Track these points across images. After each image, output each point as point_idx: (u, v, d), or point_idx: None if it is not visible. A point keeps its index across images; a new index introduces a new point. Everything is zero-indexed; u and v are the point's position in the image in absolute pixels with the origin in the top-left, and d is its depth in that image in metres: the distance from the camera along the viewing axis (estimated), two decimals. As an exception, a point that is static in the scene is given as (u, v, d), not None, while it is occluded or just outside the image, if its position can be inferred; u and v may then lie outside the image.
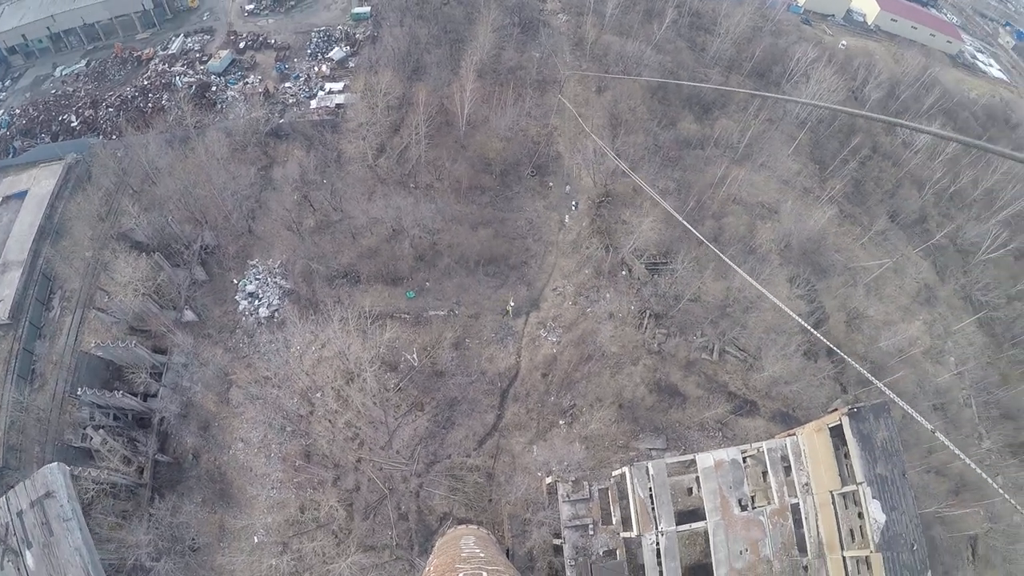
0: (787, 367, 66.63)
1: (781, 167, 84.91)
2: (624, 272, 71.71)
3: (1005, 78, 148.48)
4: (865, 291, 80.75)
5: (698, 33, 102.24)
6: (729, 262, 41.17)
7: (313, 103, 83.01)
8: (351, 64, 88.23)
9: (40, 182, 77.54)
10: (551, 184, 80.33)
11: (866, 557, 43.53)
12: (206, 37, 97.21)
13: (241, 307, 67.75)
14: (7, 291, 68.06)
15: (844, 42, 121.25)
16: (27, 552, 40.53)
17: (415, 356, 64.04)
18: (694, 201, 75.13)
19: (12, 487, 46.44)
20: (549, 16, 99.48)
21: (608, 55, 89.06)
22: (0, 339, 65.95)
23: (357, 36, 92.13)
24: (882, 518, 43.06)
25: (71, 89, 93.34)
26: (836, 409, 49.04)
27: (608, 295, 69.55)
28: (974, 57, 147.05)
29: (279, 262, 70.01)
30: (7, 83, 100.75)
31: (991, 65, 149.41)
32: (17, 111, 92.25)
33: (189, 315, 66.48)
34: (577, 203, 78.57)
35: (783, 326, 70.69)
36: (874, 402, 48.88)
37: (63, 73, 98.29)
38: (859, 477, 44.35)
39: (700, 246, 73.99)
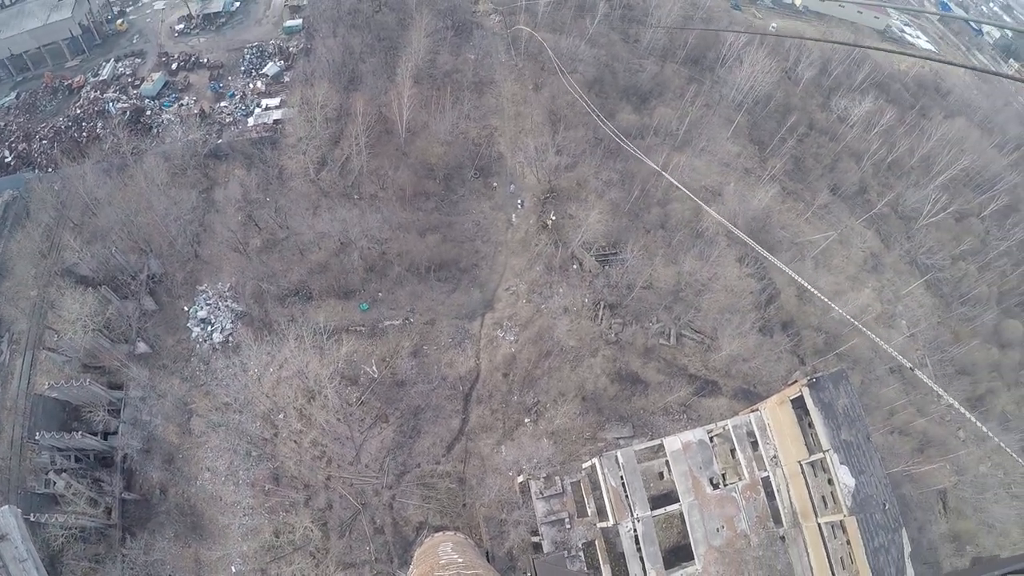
0: (744, 345, 68.30)
1: (721, 150, 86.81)
2: (575, 266, 72.54)
3: (933, 48, 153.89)
4: (813, 264, 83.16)
5: (630, 25, 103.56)
6: (737, 231, 41.81)
7: (250, 120, 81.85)
8: (286, 78, 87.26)
9: (-23, 223, 75.24)
10: (495, 184, 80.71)
11: (840, 521, 45.02)
12: (137, 60, 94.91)
13: (194, 334, 66.56)
14: (-48, 340, 66.21)
15: (774, 24, 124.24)
16: None
17: (374, 368, 63.76)
18: (638, 190, 76.27)
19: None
20: (482, 17, 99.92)
21: (543, 52, 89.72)
22: (-50, 389, 64.12)
23: (291, 50, 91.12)
24: (851, 482, 44.47)
25: (2, 123, 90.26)
26: (796, 381, 50.24)
27: (561, 290, 70.30)
28: (902, 31, 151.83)
29: (228, 285, 68.93)
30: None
31: (919, 37, 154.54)
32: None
33: (142, 347, 65.11)
34: (523, 201, 79.12)
35: (736, 305, 72.50)
36: (832, 370, 50.61)
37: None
38: (825, 445, 45.74)
39: (648, 234, 75.50)
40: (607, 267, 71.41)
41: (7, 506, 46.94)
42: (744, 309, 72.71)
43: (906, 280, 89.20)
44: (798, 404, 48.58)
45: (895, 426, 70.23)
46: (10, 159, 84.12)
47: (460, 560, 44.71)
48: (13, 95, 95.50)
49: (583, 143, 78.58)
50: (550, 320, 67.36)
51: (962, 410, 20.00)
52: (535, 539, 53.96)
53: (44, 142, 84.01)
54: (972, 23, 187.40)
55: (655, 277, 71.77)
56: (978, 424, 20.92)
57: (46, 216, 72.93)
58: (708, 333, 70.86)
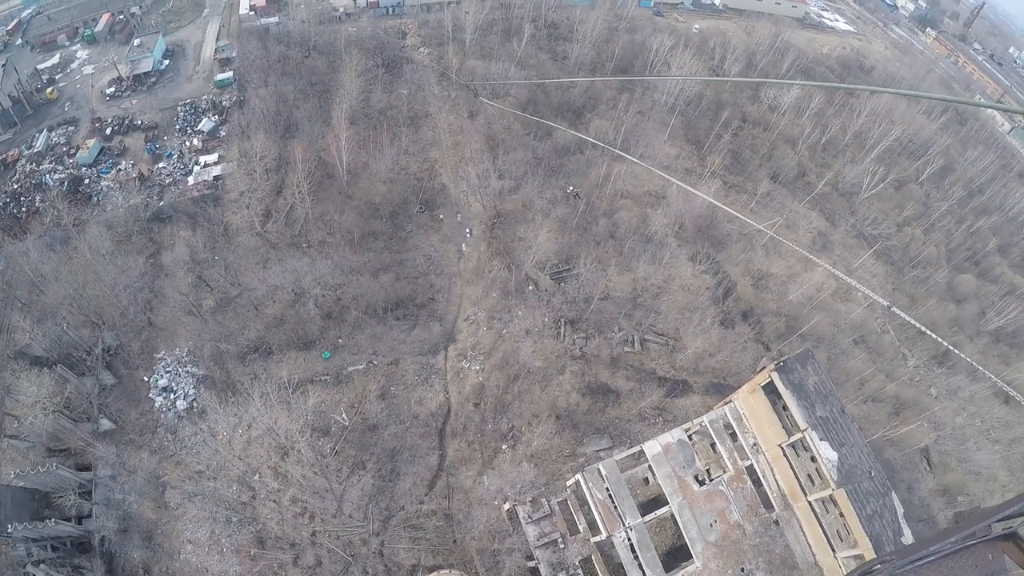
0: (708, 340, 69.71)
1: (660, 154, 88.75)
2: (531, 287, 73.26)
3: (852, 29, 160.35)
4: (764, 252, 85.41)
5: (557, 43, 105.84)
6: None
7: (190, 179, 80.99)
8: (222, 133, 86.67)
9: (-81, 313, 72.71)
10: (442, 216, 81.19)
11: (830, 496, 46.19)
12: (71, 128, 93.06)
13: (157, 404, 65.11)
14: (-94, 438, 63.62)
15: (697, 26, 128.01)
16: None
17: (344, 416, 63.29)
18: (584, 204, 77.51)
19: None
20: (411, 52, 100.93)
21: (474, 78, 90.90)
22: (-92, 489, 61.58)
23: (224, 103, 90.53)
24: (834, 456, 45.60)
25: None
26: (764, 367, 51.44)
27: (520, 312, 70.92)
28: (820, 16, 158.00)
29: (186, 350, 67.75)
30: None
31: (837, 20, 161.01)
32: None
33: (105, 424, 63.41)
34: (471, 230, 79.75)
35: (695, 303, 73.98)
36: (798, 351, 51.91)
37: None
38: (802, 424, 46.92)
39: (599, 246, 76.64)
40: (563, 284, 72.31)
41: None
42: (703, 305, 74.26)
43: (856, 254, 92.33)
44: (769, 389, 49.84)
45: (868, 395, 72.21)
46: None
47: None
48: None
49: (524, 164, 79.68)
50: (513, 344, 67.82)
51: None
52: (531, 564, 54.04)
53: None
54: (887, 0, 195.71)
55: (611, 287, 72.84)
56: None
57: (-8, 298, 71.04)
58: (671, 334, 72.12)
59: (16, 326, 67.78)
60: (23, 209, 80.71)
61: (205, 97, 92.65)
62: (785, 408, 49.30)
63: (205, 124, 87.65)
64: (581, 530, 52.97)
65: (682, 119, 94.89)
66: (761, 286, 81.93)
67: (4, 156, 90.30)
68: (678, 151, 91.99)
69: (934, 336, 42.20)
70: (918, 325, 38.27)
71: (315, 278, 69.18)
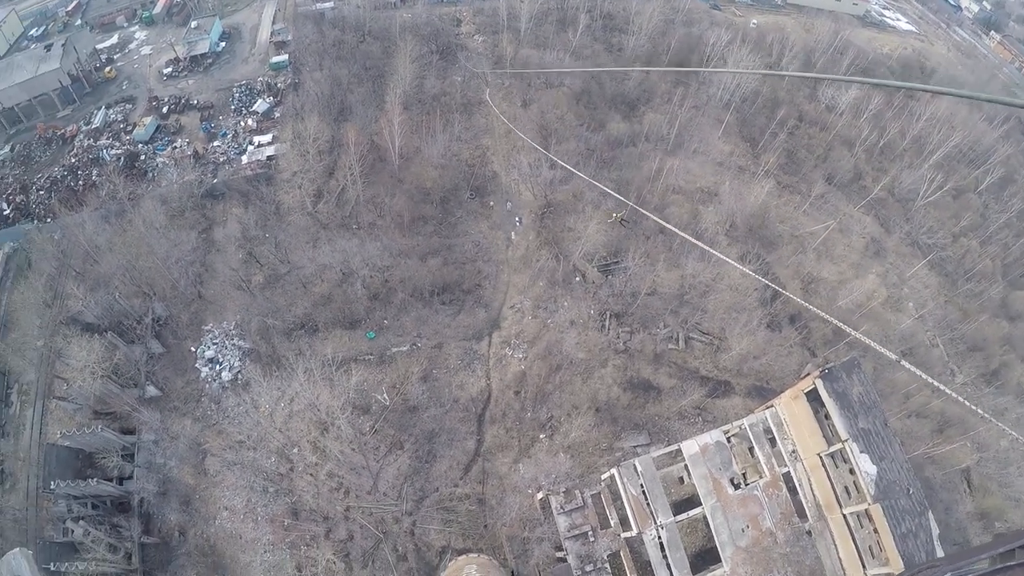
0: (753, 342, 68.15)
1: (714, 150, 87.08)
2: (578, 278, 72.60)
3: (914, 29, 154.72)
4: (815, 255, 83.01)
5: (613, 34, 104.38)
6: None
7: (244, 158, 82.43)
8: (277, 114, 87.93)
9: (-20, 276, 75.61)
10: (492, 203, 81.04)
11: (866, 510, 44.52)
12: (128, 106, 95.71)
13: (203, 374, 66.60)
14: (-38, 393, 66.23)
15: (755, 21, 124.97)
16: None
17: (385, 395, 63.70)
18: (634, 197, 76.39)
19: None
20: (465, 39, 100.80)
21: (529, 67, 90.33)
22: (-38, 444, 63.99)
23: (279, 85, 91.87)
24: (873, 470, 44.02)
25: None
26: (808, 373, 50.00)
27: (566, 303, 70.32)
28: (881, 15, 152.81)
29: (234, 323, 69.07)
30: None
31: (899, 19, 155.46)
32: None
33: (152, 390, 65.13)
34: (521, 218, 79.42)
35: (742, 304, 72.38)
36: (844, 360, 50.29)
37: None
38: (843, 435, 45.35)
39: (648, 240, 75.51)
40: (610, 276, 71.48)
41: (18, 549, 46.81)
42: (750, 306, 72.63)
43: (909, 262, 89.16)
44: (813, 397, 48.29)
45: (912, 409, 69.76)
46: (8, 211, 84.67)
47: None
48: (7, 148, 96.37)
49: (576, 155, 78.92)
50: (557, 334, 67.28)
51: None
52: (559, 555, 53.63)
53: (41, 192, 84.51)
54: (950, 0, 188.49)
55: (659, 282, 71.74)
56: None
57: (48, 266, 73.38)
58: (716, 334, 70.72)
59: (70, 294, 69.70)
60: (80, 182, 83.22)
61: (260, 79, 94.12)
62: (827, 417, 47.65)
63: (260, 105, 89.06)
64: (612, 525, 52.32)
65: (737, 115, 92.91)
66: (811, 290, 79.73)
67: (63, 131, 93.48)
68: (732, 148, 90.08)
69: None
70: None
71: (364, 259, 69.68)
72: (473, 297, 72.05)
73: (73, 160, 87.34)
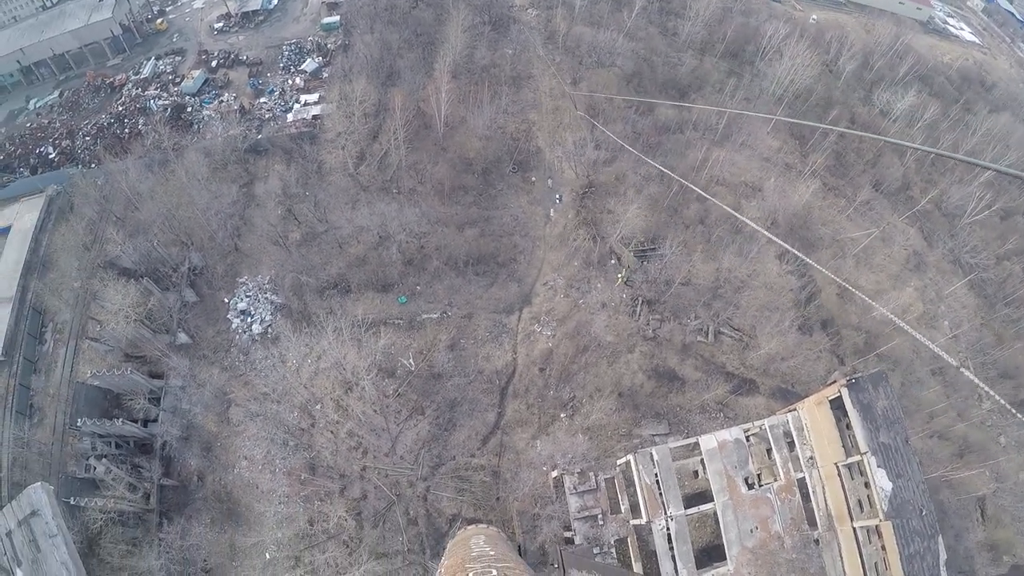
0: (783, 343, 67.00)
1: (761, 145, 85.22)
2: (613, 261, 71.94)
3: (977, 40, 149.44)
4: (855, 262, 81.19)
5: (668, 18, 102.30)
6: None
7: (290, 116, 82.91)
8: (325, 75, 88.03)
9: (22, 216, 77.24)
10: (534, 179, 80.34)
11: (876, 526, 43.87)
12: (177, 58, 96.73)
13: (234, 325, 67.55)
14: (-1, 328, 67.47)
15: (815, 16, 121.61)
16: (17, 570, 40.98)
17: (411, 361, 64.00)
18: (677, 185, 75.29)
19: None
20: (519, 12, 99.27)
21: (580, 46, 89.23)
22: (-4, 376, 65.42)
23: (328, 46, 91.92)
24: (888, 486, 43.29)
25: (46, 121, 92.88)
26: (835, 381, 49.18)
27: (599, 285, 69.79)
28: (944, 22, 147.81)
29: (268, 277, 69.84)
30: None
31: (962, 29, 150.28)
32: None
33: (183, 337, 66.24)
34: (561, 196, 78.65)
35: (775, 303, 71.12)
36: (872, 371, 49.23)
37: (36, 105, 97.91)
38: (863, 447, 44.54)
39: (688, 229, 74.45)
40: (645, 263, 70.63)
41: (39, 483, 47.89)
42: (783, 307, 71.38)
43: (949, 280, 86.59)
44: (837, 405, 47.41)
45: (935, 430, 68.20)
46: (54, 155, 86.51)
47: (492, 553, 44.63)
48: (56, 93, 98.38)
49: (622, 137, 77.56)
50: (588, 315, 66.89)
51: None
52: (567, 534, 53.71)
53: (87, 138, 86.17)
54: (1017, 15, 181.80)
55: (694, 273, 70.75)
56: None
57: (89, 210, 74.70)
58: (747, 331, 69.64)
59: (109, 238, 71.23)
60: (126, 131, 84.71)
61: (310, 39, 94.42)
62: (849, 427, 46.69)
63: (308, 65, 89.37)
64: (623, 511, 52.18)
65: (789, 111, 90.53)
66: (846, 296, 77.87)
67: (112, 80, 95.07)
68: (781, 144, 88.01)
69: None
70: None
71: (401, 224, 69.86)
72: (507, 271, 71.78)
73: (120, 108, 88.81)
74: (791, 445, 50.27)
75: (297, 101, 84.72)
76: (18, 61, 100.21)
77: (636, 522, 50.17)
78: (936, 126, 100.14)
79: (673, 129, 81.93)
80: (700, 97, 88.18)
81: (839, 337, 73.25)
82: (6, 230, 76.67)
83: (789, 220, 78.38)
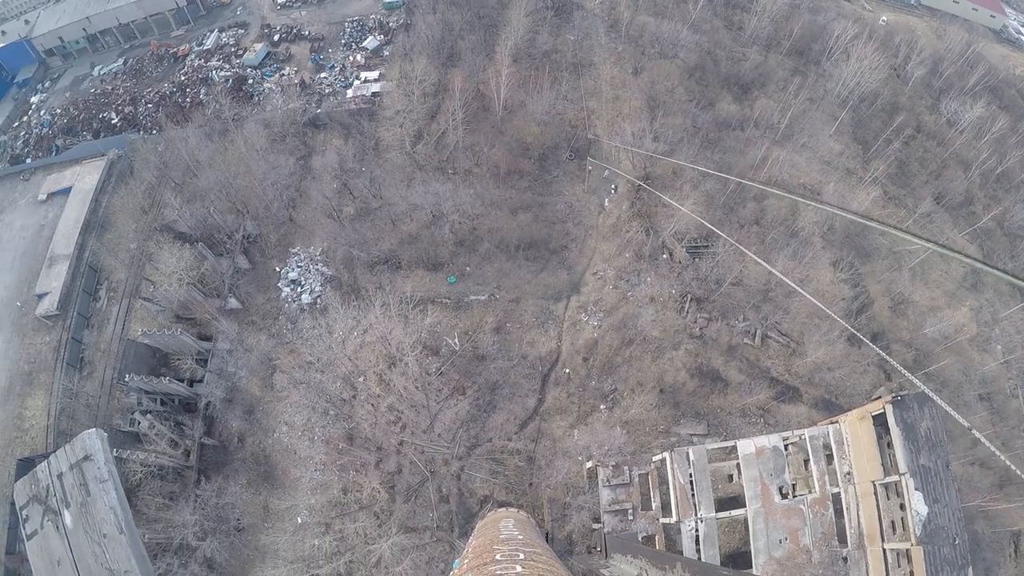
0: (830, 353, 65.38)
1: (823, 148, 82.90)
2: (665, 256, 70.95)
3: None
4: (910, 275, 78.71)
5: (734, 11, 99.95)
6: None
7: (349, 92, 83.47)
8: (386, 53, 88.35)
9: (83, 178, 79.46)
10: (590, 168, 79.41)
11: (907, 550, 42.58)
12: (240, 31, 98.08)
13: (284, 294, 68.70)
14: (55, 283, 70.02)
15: (884, 18, 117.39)
16: (65, 511, 42.21)
17: (456, 340, 64.41)
18: (735, 183, 73.95)
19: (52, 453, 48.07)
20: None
21: (644, 36, 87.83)
22: (50, 329, 68.10)
23: (390, 25, 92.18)
24: (924, 510, 41.93)
25: (110, 87, 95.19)
26: (880, 397, 47.89)
27: (649, 279, 68.93)
28: (1019, 32, 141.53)
29: (320, 249, 70.79)
30: (47, 84, 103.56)
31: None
32: (58, 110, 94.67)
33: (233, 303, 67.61)
34: (616, 186, 77.69)
35: (826, 311, 69.30)
36: (919, 390, 47.52)
37: (101, 72, 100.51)
38: (902, 467, 43.11)
39: (742, 229, 73.05)
40: (697, 259, 69.54)
41: (94, 429, 49.37)
42: (834, 316, 69.55)
43: (1006, 302, 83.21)
44: (879, 421, 45.83)
45: (977, 457, 65.45)
46: (117, 120, 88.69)
47: (520, 537, 44.57)
48: (121, 61, 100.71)
49: (681, 131, 76.51)
50: (635, 308, 66.19)
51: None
52: (596, 526, 53.46)
53: (149, 106, 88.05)
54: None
55: (745, 274, 69.40)
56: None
57: (149, 175, 76.41)
58: (794, 337, 68.13)
59: (167, 203, 72.98)
60: (187, 99, 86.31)
61: (373, 16, 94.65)
62: (890, 446, 45.09)
63: (370, 42, 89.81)
64: (653, 508, 51.48)
65: (853, 115, 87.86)
66: (899, 311, 75.68)
67: (175, 50, 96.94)
68: (843, 148, 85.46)
69: None
70: None
71: (455, 204, 69.98)
72: (558, 258, 71.42)
73: (183, 78, 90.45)
74: (829, 458, 48.93)
75: (357, 78, 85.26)
76: (84, 29, 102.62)
77: (666, 520, 49.56)
78: (1004, 140, 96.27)
79: (734, 125, 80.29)
80: (763, 94, 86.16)
81: (889, 351, 70.85)
82: (67, 190, 79.00)
83: (846, 227, 76.43)
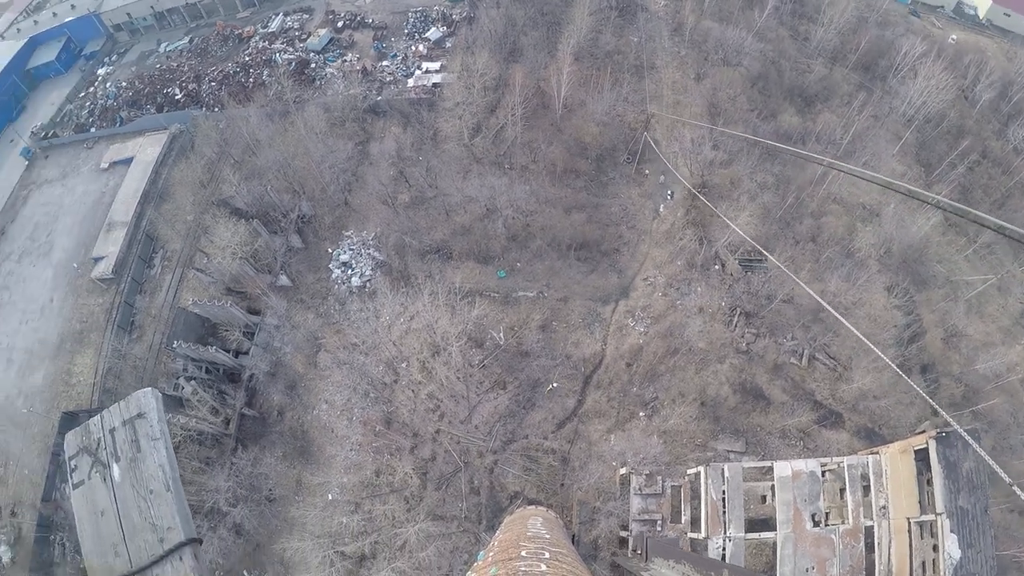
0: (878, 381, 63.46)
1: (885, 167, 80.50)
2: (717, 266, 69.97)
3: None
4: (966, 308, 75.86)
5: (800, 21, 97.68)
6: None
7: (410, 82, 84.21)
8: (448, 44, 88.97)
9: (145, 150, 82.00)
10: (647, 172, 78.73)
11: None
12: (305, 16, 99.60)
13: (334, 275, 69.71)
14: (112, 249, 72.55)
15: (954, 36, 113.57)
16: (114, 465, 43.79)
17: (501, 335, 64.43)
18: (792, 197, 72.60)
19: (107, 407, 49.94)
20: (647, 0, 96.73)
21: (707, 41, 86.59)
22: (103, 292, 70.72)
23: (454, 17, 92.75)
24: (957, 554, 39.95)
25: (175, 64, 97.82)
26: (924, 431, 46.33)
27: (699, 289, 68.01)
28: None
29: (373, 234, 71.56)
30: (114, 58, 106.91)
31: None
32: (124, 84, 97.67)
33: (284, 280, 68.89)
34: (672, 193, 76.85)
35: (877, 336, 67.38)
36: (965, 428, 45.65)
37: (167, 49, 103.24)
38: (939, 507, 41.05)
39: (797, 245, 71.68)
40: (749, 273, 68.42)
41: (150, 389, 50.95)
42: (884, 343, 67.26)
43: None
44: (921, 456, 43.91)
45: (1017, 505, 63.19)
46: (180, 96, 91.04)
47: (547, 536, 44.49)
48: (187, 39, 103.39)
49: (741, 141, 75.33)
50: (683, 317, 65.33)
51: None
52: (623, 534, 52.65)
53: (213, 84, 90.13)
54: None
55: (797, 292, 67.63)
56: None
57: (209, 150, 78.41)
58: (842, 361, 66.42)
59: (225, 179, 74.74)
60: (250, 80, 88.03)
61: (437, 8, 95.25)
62: (929, 483, 43.00)
63: (433, 33, 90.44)
64: (683, 521, 50.36)
65: (917, 136, 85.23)
66: (951, 343, 73.11)
67: (240, 31, 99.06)
68: (905, 169, 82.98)
69: None
70: None
71: (510, 199, 70.03)
72: (609, 260, 71.02)
73: (247, 59, 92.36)
74: (866, 489, 46.98)
75: (418, 68, 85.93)
76: (152, 7, 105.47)
77: (694, 535, 48.39)
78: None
79: (795, 138, 78.59)
80: (826, 108, 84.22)
81: (937, 385, 68.80)
82: (129, 160, 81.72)
83: (903, 251, 74.27)
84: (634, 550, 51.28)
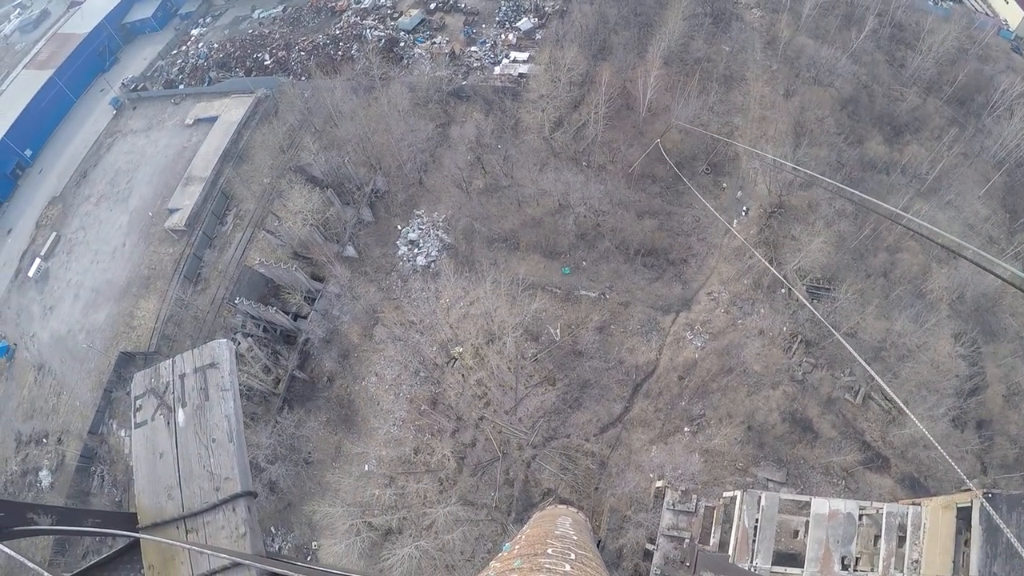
0: (930, 429, 61.46)
1: (968, 209, 77.30)
2: (783, 290, 68.71)
3: None
4: (1034, 365, 73.00)
5: (898, 47, 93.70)
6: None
7: (496, 69, 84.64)
8: (538, 36, 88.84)
9: (230, 110, 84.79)
10: (724, 185, 77.47)
11: None
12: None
13: (400, 252, 71.10)
14: (188, 202, 75.35)
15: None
16: (180, 410, 46.00)
17: (558, 331, 64.69)
18: (870, 229, 70.46)
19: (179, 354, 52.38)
20: (743, 10, 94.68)
21: (800, 58, 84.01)
22: (175, 242, 73.78)
23: (546, 9, 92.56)
24: None
25: (267, 31, 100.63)
26: (970, 489, 44.57)
27: (762, 310, 66.74)
28: None
29: (443, 216, 72.61)
30: (208, 20, 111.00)
31: None
32: (216, 45, 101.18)
33: (350, 251, 70.60)
34: (747, 209, 75.40)
35: (936, 384, 65.16)
36: (1013, 492, 43.81)
37: (260, 16, 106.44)
38: (973, 571, 39.58)
39: (868, 279, 69.71)
40: (816, 301, 66.99)
41: (224, 340, 53.25)
42: (944, 391, 64.85)
43: None
44: (963, 515, 42.48)
45: None
46: (269, 62, 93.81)
47: (575, 537, 44.82)
48: (280, 8, 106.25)
49: (824, 163, 72.99)
50: (742, 337, 64.37)
51: None
52: (650, 547, 52.48)
53: (302, 53, 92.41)
54: None
55: (862, 327, 66.11)
56: None
57: (292, 117, 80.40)
58: (898, 404, 64.62)
59: (304, 147, 76.48)
60: (339, 53, 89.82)
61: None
62: (967, 544, 41.44)
63: (524, 23, 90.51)
64: (711, 544, 50.07)
65: (1007, 179, 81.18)
66: (1012, 402, 69.79)
67: (334, 5, 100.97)
68: (989, 213, 79.03)
69: None
70: None
71: (583, 197, 69.86)
72: (675, 270, 70.39)
73: (337, 32, 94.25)
74: (901, 540, 45.30)
75: (506, 56, 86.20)
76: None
77: None
78: None
79: (879, 168, 75.97)
80: (915, 140, 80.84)
81: (991, 443, 65.94)
82: (213, 119, 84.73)
83: (977, 299, 71.17)
84: (682, 562, 51.33)
